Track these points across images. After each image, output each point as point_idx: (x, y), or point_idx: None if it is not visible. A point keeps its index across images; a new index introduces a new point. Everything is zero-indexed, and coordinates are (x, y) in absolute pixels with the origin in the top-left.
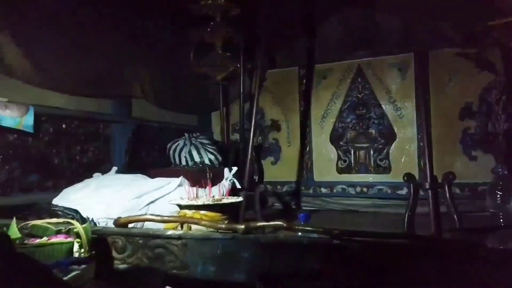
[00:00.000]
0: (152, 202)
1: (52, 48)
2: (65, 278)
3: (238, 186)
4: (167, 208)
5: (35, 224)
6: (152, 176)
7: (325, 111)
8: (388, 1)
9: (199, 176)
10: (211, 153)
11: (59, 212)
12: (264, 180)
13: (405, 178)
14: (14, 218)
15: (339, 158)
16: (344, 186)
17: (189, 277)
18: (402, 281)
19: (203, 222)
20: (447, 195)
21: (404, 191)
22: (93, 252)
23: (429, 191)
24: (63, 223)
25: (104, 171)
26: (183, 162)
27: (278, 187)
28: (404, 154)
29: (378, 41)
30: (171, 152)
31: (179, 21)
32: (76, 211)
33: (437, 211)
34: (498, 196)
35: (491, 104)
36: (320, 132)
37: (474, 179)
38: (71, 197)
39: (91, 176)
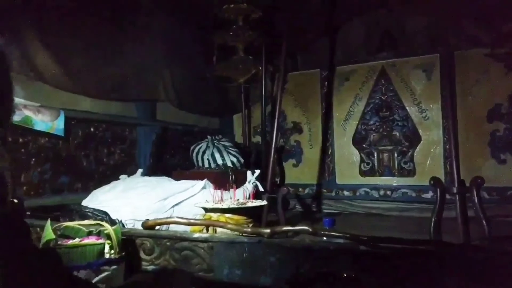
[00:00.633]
0: (177, 204)
1: (81, 54)
2: (96, 279)
3: (261, 189)
4: (192, 210)
5: (67, 226)
6: (175, 178)
7: (348, 113)
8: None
9: (222, 178)
10: (233, 155)
11: (89, 214)
12: (286, 182)
13: (432, 182)
14: (49, 220)
15: (362, 160)
16: (367, 189)
17: (216, 280)
18: None
19: (229, 226)
20: (476, 200)
21: (429, 195)
22: (123, 253)
23: (457, 195)
24: (94, 224)
25: (130, 173)
26: (206, 165)
27: (300, 189)
28: (429, 157)
29: (402, 42)
30: (194, 154)
31: (202, 25)
32: (105, 213)
33: (465, 217)
34: None
35: None
36: (342, 134)
37: (503, 183)
38: (100, 198)
39: (117, 178)
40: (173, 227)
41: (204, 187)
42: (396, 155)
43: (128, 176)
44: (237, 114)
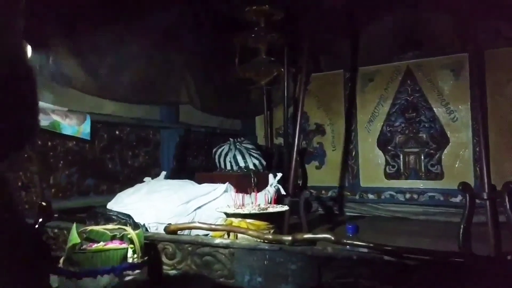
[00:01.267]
0: (199, 207)
1: (106, 59)
2: (120, 283)
3: (283, 192)
4: (213, 213)
5: (92, 229)
6: (198, 180)
7: (372, 115)
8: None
9: (244, 180)
10: (256, 157)
11: (114, 217)
12: (308, 184)
13: (460, 187)
14: (74, 224)
15: (387, 163)
16: (392, 192)
17: (236, 287)
18: None
19: (250, 232)
20: (508, 206)
21: (458, 199)
22: (145, 257)
23: (487, 201)
24: (118, 229)
25: (154, 175)
26: (228, 167)
27: (323, 192)
28: (458, 159)
29: (428, 41)
30: (216, 156)
31: (223, 27)
32: (129, 216)
33: (496, 223)
34: None
35: None
36: (366, 136)
37: None
38: (125, 201)
39: (142, 180)
40: (194, 231)
41: (226, 191)
42: (422, 157)
43: (152, 179)
44: (259, 116)
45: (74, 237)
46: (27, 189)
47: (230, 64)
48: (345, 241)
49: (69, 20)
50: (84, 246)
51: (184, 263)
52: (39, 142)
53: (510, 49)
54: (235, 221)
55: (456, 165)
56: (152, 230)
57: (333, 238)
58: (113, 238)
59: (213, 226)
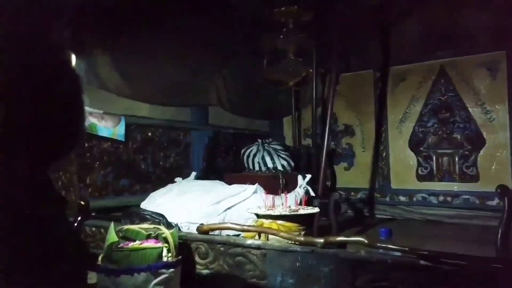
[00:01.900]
0: (229, 208)
1: (139, 62)
2: (155, 281)
3: (312, 193)
4: (243, 214)
5: (128, 228)
6: (227, 180)
7: (404, 115)
8: None
9: (272, 181)
10: (284, 158)
11: (148, 216)
12: (337, 186)
13: (499, 190)
14: (112, 223)
15: (419, 164)
16: (425, 195)
17: None
18: None
19: (282, 234)
20: None
21: (495, 202)
22: (179, 256)
23: None
24: (152, 228)
25: (185, 175)
26: (256, 168)
27: (352, 193)
28: (495, 161)
29: (463, 39)
30: (244, 157)
31: (252, 29)
32: (163, 216)
33: None
34: None
35: None
36: (397, 137)
37: None
38: (157, 201)
39: (173, 180)
40: (225, 231)
41: (255, 192)
42: (457, 159)
43: (183, 179)
44: (286, 117)
45: (112, 236)
46: (66, 189)
47: (259, 65)
48: (379, 244)
49: (103, 24)
50: (121, 245)
51: (217, 263)
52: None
53: None
54: (266, 222)
55: (493, 167)
56: (184, 230)
57: (366, 241)
58: (148, 237)
59: (245, 227)
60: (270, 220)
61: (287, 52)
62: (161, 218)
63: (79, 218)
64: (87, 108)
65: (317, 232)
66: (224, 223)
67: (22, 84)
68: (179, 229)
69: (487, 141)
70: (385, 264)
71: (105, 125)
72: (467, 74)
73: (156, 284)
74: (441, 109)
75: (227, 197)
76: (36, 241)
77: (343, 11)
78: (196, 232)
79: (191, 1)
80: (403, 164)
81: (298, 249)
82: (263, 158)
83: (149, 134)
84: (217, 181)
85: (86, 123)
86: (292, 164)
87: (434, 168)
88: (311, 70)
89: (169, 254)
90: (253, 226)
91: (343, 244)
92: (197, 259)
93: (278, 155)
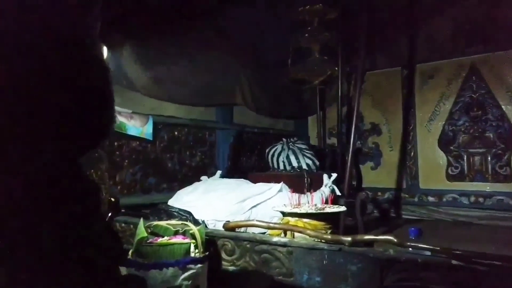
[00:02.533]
0: (254, 206)
1: (166, 62)
2: (183, 276)
3: (338, 193)
4: (268, 212)
5: (157, 224)
6: (251, 179)
7: (433, 113)
8: None
9: (297, 181)
10: (309, 157)
11: (175, 213)
12: (363, 185)
13: None
14: (141, 219)
15: (449, 164)
16: (455, 195)
17: (295, 285)
18: None
19: (308, 231)
20: None
21: None
22: (206, 253)
23: None
24: (180, 224)
25: (210, 174)
26: (281, 167)
27: (379, 193)
28: None
29: (495, 35)
30: (269, 156)
31: (277, 28)
32: (189, 213)
33: None
34: None
35: None
36: (426, 135)
37: None
38: (184, 199)
39: (199, 179)
40: (251, 229)
41: (280, 190)
42: (489, 158)
43: (208, 177)
44: (311, 116)
45: (141, 231)
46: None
47: (284, 65)
48: (409, 244)
49: (132, 25)
50: (150, 240)
51: (243, 259)
52: (107, 142)
53: None
54: (292, 220)
55: None
56: (210, 227)
57: (395, 240)
58: (175, 233)
59: (271, 225)
60: (296, 218)
61: (312, 50)
62: (188, 215)
63: (110, 214)
64: (116, 108)
65: (343, 231)
66: (250, 220)
67: (55, 75)
68: (206, 226)
69: None
70: (415, 263)
71: (134, 124)
72: (500, 71)
73: (184, 279)
74: (472, 107)
75: (253, 195)
76: (74, 234)
77: (371, 8)
78: (223, 229)
79: (219, 1)
80: (432, 164)
81: (325, 247)
82: (287, 157)
83: (176, 133)
84: (242, 179)
85: (116, 121)
86: (317, 163)
87: (465, 168)
88: (336, 69)
89: (196, 250)
90: (280, 223)
91: (370, 243)
92: (223, 255)
93: (303, 154)
